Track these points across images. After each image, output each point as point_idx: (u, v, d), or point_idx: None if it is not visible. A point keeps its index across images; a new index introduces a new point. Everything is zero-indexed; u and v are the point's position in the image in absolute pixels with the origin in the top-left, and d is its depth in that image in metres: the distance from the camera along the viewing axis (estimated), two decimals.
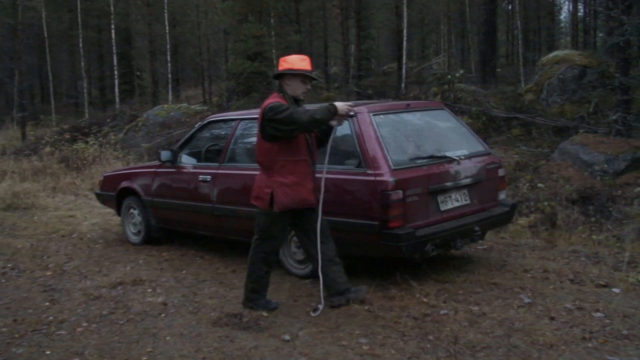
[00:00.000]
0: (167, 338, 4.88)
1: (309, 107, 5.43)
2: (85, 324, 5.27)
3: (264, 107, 5.10)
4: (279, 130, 5.05)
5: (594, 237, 7.59)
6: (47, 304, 5.88)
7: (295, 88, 5.23)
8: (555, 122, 13.63)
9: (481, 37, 20.34)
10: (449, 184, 5.85)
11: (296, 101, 5.24)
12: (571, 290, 5.59)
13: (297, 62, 5.22)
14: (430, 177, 5.69)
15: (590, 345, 4.40)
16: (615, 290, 5.53)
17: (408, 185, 5.47)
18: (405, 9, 23.96)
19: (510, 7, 36.04)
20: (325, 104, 5.15)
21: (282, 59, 5.29)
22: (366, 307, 5.27)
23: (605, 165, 10.41)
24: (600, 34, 25.56)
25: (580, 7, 35.78)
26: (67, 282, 6.57)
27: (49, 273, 6.94)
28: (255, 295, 5.44)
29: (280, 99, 5.17)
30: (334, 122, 5.12)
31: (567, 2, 40.54)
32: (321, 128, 5.21)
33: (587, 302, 5.22)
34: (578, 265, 6.36)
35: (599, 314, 4.94)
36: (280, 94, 5.22)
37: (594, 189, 9.71)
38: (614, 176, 10.29)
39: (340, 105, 5.07)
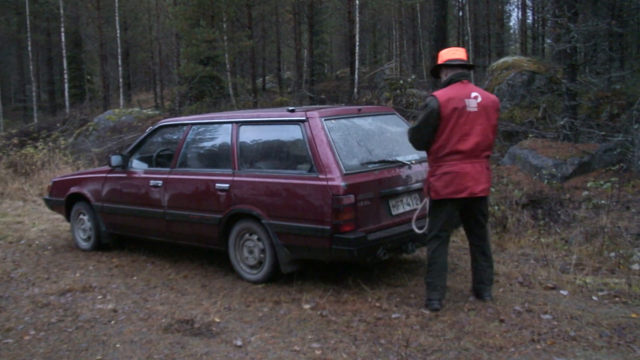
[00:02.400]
0: (117, 345, 4.80)
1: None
2: (32, 332, 5.16)
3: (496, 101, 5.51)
4: None
5: (542, 240, 7.70)
6: None
7: None
8: (505, 126, 13.85)
9: (432, 42, 20.49)
10: (400, 188, 5.89)
11: None
12: (520, 292, 5.67)
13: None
14: (381, 181, 5.72)
15: (538, 347, 4.46)
16: (563, 292, 5.62)
17: (359, 190, 5.49)
18: (357, 15, 24.15)
19: (461, 13, 36.55)
20: None
21: (457, 50, 5.65)
22: (318, 312, 5.27)
23: (554, 170, 10.62)
24: (548, 41, 26.05)
25: (529, 14, 36.54)
26: (14, 290, 6.42)
27: None
28: None
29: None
30: None
31: (516, 9, 41.38)
32: None
33: (536, 305, 5.30)
34: (527, 268, 6.45)
35: (547, 316, 5.02)
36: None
37: (543, 193, 9.90)
38: (562, 180, 10.52)
39: None
